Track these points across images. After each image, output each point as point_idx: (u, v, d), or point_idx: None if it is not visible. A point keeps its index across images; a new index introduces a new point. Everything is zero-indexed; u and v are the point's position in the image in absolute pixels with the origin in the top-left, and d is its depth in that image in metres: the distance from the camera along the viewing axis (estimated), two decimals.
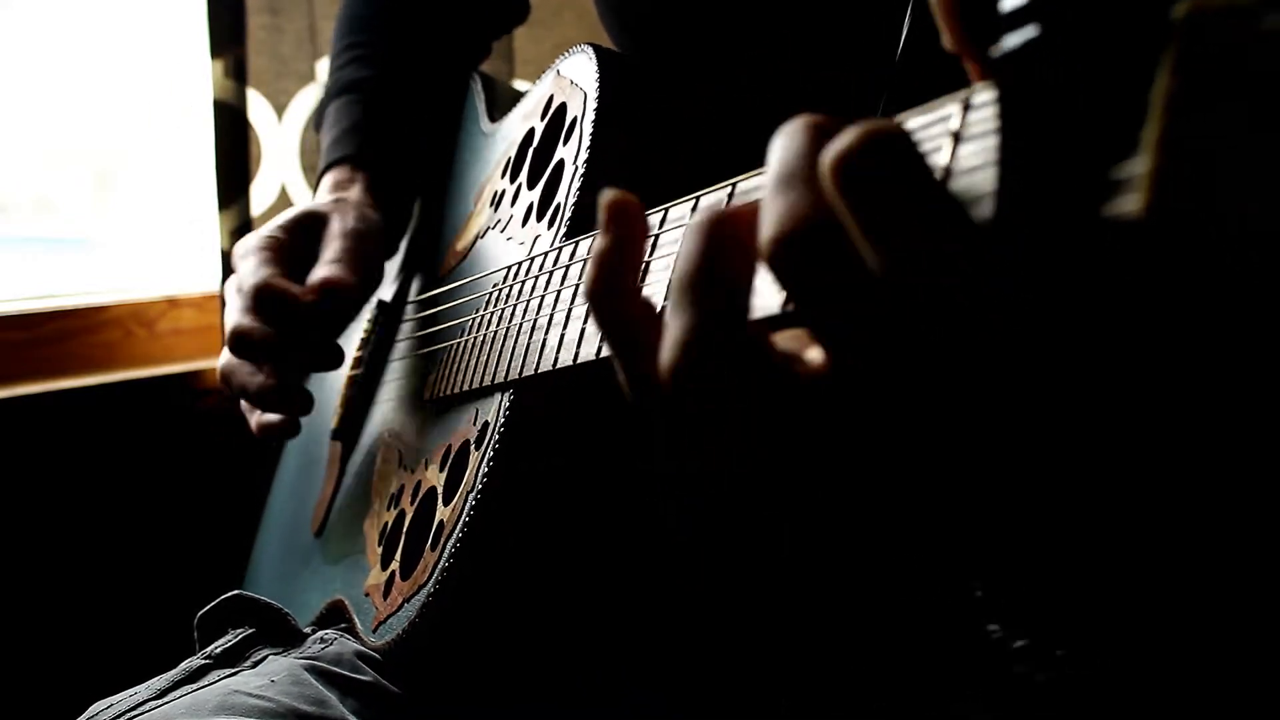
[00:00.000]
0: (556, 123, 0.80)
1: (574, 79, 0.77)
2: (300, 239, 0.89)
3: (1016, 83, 0.31)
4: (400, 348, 0.98)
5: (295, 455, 1.17)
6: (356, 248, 0.88)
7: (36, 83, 1.61)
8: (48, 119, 1.66)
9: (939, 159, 0.35)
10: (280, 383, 0.85)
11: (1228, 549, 0.34)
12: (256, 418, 0.92)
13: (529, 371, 0.66)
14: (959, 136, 0.35)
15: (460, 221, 0.95)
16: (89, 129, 1.72)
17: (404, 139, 1.03)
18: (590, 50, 0.76)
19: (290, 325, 0.83)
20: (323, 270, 0.84)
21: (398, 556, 0.77)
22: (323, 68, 1.45)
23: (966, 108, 0.35)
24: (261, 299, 0.82)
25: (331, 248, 0.87)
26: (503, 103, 0.98)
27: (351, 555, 0.88)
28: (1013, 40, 0.30)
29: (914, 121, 0.37)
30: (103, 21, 1.65)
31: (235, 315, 0.83)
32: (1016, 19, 0.30)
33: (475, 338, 0.78)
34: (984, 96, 0.34)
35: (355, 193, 0.98)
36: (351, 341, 1.02)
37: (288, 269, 0.85)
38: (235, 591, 0.82)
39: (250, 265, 0.85)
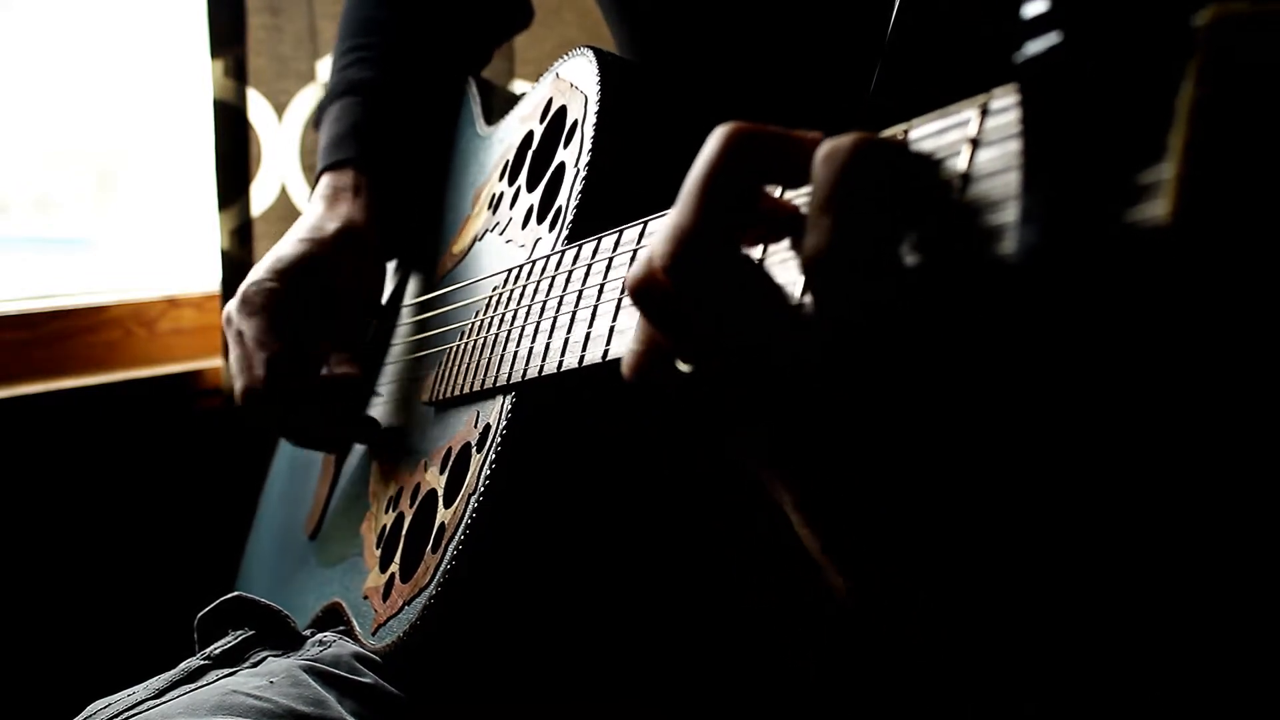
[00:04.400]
0: (556, 126, 0.79)
1: (574, 82, 0.77)
2: (302, 291, 0.93)
3: (1039, 88, 0.31)
4: (396, 350, 0.98)
5: (288, 456, 1.16)
6: (360, 317, 0.96)
7: (36, 83, 1.61)
8: (48, 119, 1.66)
9: (957, 164, 0.35)
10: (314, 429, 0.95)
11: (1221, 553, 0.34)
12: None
13: (533, 374, 0.66)
14: (977, 142, 0.35)
15: (457, 224, 0.94)
16: (89, 129, 1.72)
17: (405, 143, 1.04)
18: (590, 53, 0.76)
19: (301, 392, 0.92)
20: (333, 362, 0.94)
21: (397, 559, 0.77)
22: (323, 68, 1.44)
23: (984, 113, 0.35)
24: (274, 372, 0.89)
25: (339, 322, 0.95)
26: (498, 106, 0.98)
27: (349, 557, 0.88)
28: (1035, 46, 0.30)
29: (930, 126, 0.37)
30: (103, 21, 1.65)
31: (242, 380, 0.90)
32: (1038, 25, 0.30)
33: (476, 340, 0.77)
34: (1002, 102, 0.34)
35: (357, 209, 0.98)
36: None
37: (292, 331, 0.91)
38: (235, 593, 0.82)
39: (256, 328, 0.90)
